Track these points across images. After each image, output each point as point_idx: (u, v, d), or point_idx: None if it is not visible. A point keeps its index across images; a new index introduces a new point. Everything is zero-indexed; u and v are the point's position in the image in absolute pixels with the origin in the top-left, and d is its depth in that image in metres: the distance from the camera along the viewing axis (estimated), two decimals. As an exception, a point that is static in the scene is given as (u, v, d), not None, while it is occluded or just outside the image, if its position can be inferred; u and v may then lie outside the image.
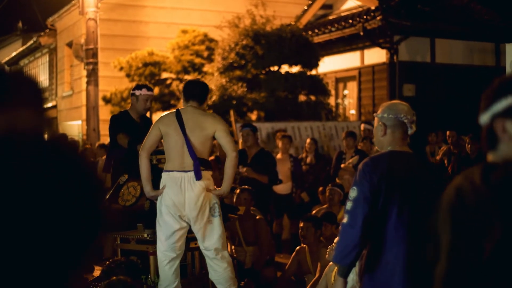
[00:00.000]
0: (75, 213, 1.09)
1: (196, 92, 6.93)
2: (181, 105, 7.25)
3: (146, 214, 7.02)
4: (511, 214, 1.87)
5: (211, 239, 6.70)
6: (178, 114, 6.75)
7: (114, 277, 4.66)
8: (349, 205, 4.25)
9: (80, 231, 1.12)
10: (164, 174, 6.70)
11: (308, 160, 13.03)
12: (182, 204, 6.58)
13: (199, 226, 6.64)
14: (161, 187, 6.67)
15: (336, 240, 6.45)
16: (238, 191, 9.14)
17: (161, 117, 6.90)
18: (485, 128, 2.09)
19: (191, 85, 7.02)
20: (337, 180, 11.32)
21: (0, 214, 1.05)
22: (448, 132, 12.70)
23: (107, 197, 7.56)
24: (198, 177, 6.59)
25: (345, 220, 4.27)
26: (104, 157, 10.92)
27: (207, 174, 6.68)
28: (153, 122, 7.06)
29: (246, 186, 9.34)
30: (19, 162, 1.07)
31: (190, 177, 6.60)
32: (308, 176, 12.79)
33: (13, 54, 36.15)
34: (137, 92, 8.22)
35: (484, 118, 2.08)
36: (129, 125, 8.14)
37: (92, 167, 1.16)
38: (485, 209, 1.90)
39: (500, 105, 2.05)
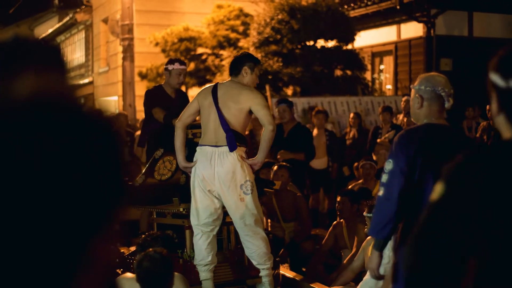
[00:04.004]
0: (96, 180, 1.08)
1: (231, 66, 6.94)
2: (216, 80, 7.23)
3: (182, 188, 7.03)
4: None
5: (243, 217, 6.64)
6: (214, 88, 6.74)
7: (150, 249, 4.68)
8: (384, 177, 4.21)
9: (100, 200, 1.10)
10: (197, 148, 6.70)
11: (351, 134, 13.01)
12: (212, 179, 6.55)
13: (229, 202, 6.61)
14: (194, 160, 6.68)
15: (366, 210, 6.43)
16: (275, 167, 9.10)
17: (202, 90, 6.93)
18: None
19: (233, 60, 7.02)
20: (373, 155, 11.27)
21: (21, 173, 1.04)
22: (488, 106, 12.44)
23: (143, 171, 7.59)
24: (232, 148, 6.54)
25: (380, 193, 4.23)
26: (139, 132, 10.98)
27: (241, 149, 6.64)
28: (189, 97, 7.06)
29: (284, 163, 9.29)
30: (45, 123, 1.06)
31: (221, 152, 6.55)
32: (351, 150, 12.76)
33: (50, 31, 36.34)
34: (170, 67, 8.22)
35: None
36: (164, 99, 8.15)
37: (120, 140, 1.15)
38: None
39: None
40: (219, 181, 6.54)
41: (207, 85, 7.03)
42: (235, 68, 6.86)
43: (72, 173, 1.05)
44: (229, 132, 6.56)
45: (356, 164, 11.75)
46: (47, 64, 1.28)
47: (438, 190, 1.94)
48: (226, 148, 6.55)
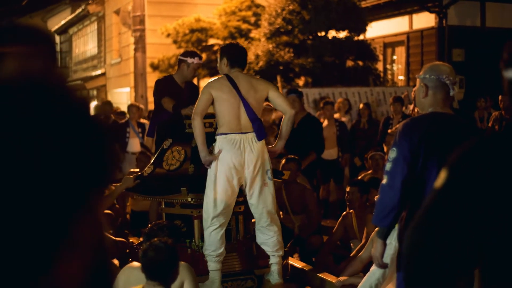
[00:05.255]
0: (74, 161, 1.08)
1: (242, 59, 6.96)
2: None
3: (190, 178, 7.03)
4: None
5: (266, 202, 6.74)
6: (229, 79, 6.75)
7: (155, 239, 4.69)
8: (388, 166, 4.21)
9: (80, 181, 1.10)
10: (220, 137, 6.67)
11: (361, 125, 12.99)
12: (242, 165, 6.60)
13: (255, 188, 6.68)
14: (216, 151, 6.66)
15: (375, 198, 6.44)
16: (283, 161, 9.08)
17: (210, 82, 6.88)
18: None
19: (237, 51, 6.98)
20: (384, 146, 11.24)
21: None
22: (500, 97, 12.38)
23: (152, 161, 7.60)
24: (262, 136, 6.66)
25: (384, 181, 4.24)
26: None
27: None
28: (201, 88, 7.06)
29: (292, 156, 9.25)
30: (22, 103, 1.06)
31: (249, 139, 6.62)
32: (360, 141, 12.75)
33: (62, 22, 36.45)
34: (190, 60, 8.20)
35: None
36: (174, 89, 8.14)
37: (103, 125, 1.15)
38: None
39: None
40: (249, 167, 6.62)
41: (212, 79, 7.01)
42: (245, 60, 7.01)
43: (50, 154, 1.05)
44: (257, 120, 6.67)
45: (367, 155, 11.74)
46: (34, 48, 1.28)
47: (442, 176, 1.93)
48: (253, 134, 6.63)
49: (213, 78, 7.14)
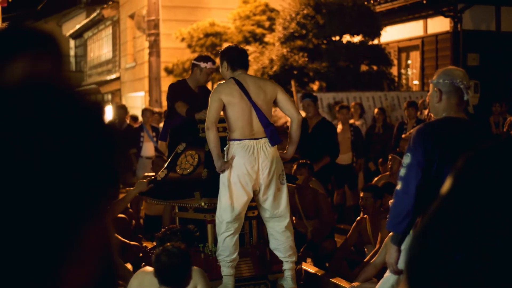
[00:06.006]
0: (82, 166, 1.07)
1: (243, 60, 6.84)
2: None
3: (204, 182, 7.02)
4: None
5: (280, 206, 6.69)
6: (238, 83, 6.66)
7: (168, 244, 4.67)
8: (402, 171, 4.19)
9: (87, 187, 1.09)
10: (233, 144, 6.59)
11: (376, 129, 12.96)
12: (256, 171, 6.54)
13: (269, 193, 6.62)
14: (229, 157, 6.60)
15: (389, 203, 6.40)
16: (295, 166, 9.03)
17: (219, 87, 6.71)
18: None
19: (235, 52, 6.89)
20: (398, 151, 11.20)
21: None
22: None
23: (165, 165, 7.60)
24: (276, 142, 6.58)
25: (398, 186, 4.22)
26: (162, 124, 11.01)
27: None
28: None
29: (303, 160, 9.20)
30: (34, 107, 1.06)
31: (263, 144, 6.55)
32: (375, 145, 12.72)
33: (77, 26, 36.63)
34: (202, 65, 8.19)
35: None
36: (187, 94, 8.13)
37: (111, 129, 1.14)
38: None
39: None
40: (263, 173, 6.55)
41: (219, 83, 6.87)
42: (246, 61, 6.88)
43: (53, 157, 1.04)
44: (270, 126, 6.59)
45: (381, 159, 11.70)
46: (41, 52, 1.28)
47: (447, 183, 1.90)
48: (266, 140, 6.56)
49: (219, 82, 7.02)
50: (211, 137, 6.51)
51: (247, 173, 6.52)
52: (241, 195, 6.57)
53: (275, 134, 6.60)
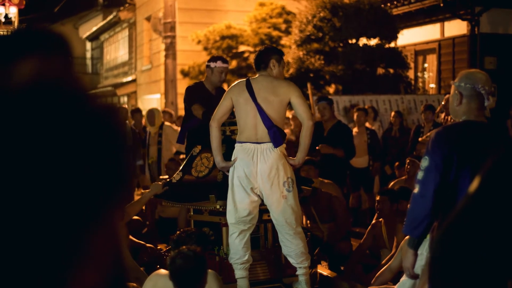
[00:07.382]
0: (92, 167, 1.04)
1: (259, 61, 6.77)
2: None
3: (219, 185, 7.00)
4: None
5: (285, 214, 6.55)
6: (248, 83, 6.63)
7: (184, 247, 4.65)
8: (420, 174, 4.15)
9: (96, 189, 1.06)
10: (237, 145, 6.62)
11: (393, 133, 12.91)
12: (254, 176, 6.48)
13: (272, 199, 6.52)
14: (233, 158, 6.61)
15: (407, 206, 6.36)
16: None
17: (232, 86, 6.77)
18: None
19: (256, 55, 6.89)
20: (415, 155, 11.14)
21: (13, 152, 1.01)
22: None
23: (180, 168, 7.58)
24: (278, 143, 6.45)
25: (416, 190, 4.18)
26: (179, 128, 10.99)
27: (282, 145, 6.56)
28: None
29: (308, 157, 9.10)
30: (42, 108, 1.03)
31: (264, 149, 6.48)
32: (392, 149, 12.67)
33: (94, 29, 36.75)
34: (212, 64, 8.18)
35: None
36: (204, 96, 8.11)
37: (122, 131, 1.11)
38: None
39: None
40: (262, 178, 6.47)
41: (236, 82, 6.90)
42: (262, 62, 6.74)
43: (68, 159, 1.02)
44: (273, 128, 6.48)
45: (397, 163, 11.65)
46: (49, 52, 1.26)
47: (475, 183, 1.88)
48: (269, 145, 6.48)
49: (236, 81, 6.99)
50: (212, 131, 6.61)
51: (245, 176, 6.50)
52: (243, 197, 6.53)
53: (278, 135, 6.47)
